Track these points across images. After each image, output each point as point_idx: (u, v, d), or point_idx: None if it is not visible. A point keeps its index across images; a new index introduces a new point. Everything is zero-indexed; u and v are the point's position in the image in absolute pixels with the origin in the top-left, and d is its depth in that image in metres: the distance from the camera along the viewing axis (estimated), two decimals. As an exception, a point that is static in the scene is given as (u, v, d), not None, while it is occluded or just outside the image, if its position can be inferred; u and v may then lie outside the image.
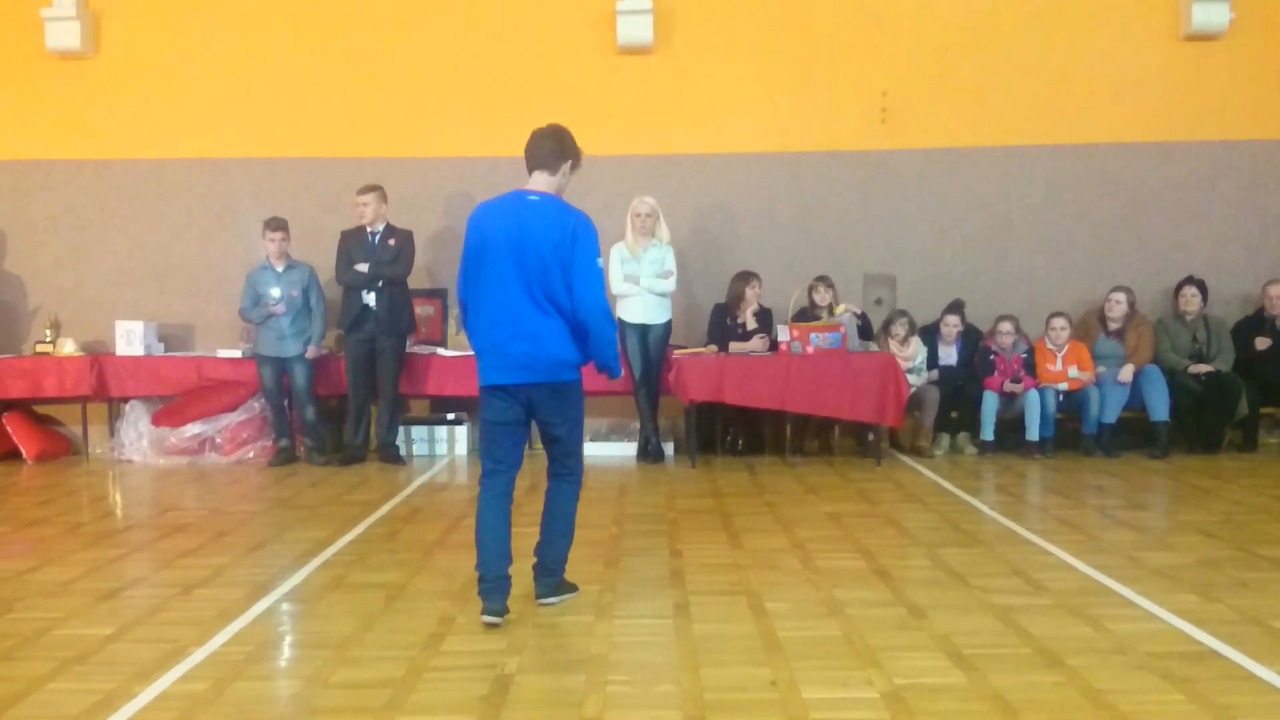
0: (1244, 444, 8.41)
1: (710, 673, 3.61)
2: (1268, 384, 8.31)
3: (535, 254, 4.17)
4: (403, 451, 8.41)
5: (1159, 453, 8.02)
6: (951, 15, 8.97)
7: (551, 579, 4.45)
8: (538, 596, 4.43)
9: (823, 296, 8.32)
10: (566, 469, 4.46)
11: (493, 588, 4.19)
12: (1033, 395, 8.09)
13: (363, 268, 8.05)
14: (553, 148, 4.32)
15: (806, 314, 8.26)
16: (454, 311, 8.90)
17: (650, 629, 4.12)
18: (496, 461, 4.33)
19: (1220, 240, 8.99)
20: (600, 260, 4.25)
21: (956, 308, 8.52)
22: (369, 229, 8.15)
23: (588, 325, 4.21)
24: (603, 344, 4.28)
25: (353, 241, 8.17)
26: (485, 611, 4.17)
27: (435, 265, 9.03)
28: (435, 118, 9.02)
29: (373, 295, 8.08)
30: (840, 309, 8.24)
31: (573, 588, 4.53)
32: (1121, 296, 8.41)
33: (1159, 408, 8.11)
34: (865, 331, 8.35)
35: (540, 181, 4.35)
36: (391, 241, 8.16)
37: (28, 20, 8.89)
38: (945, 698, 3.39)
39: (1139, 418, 8.28)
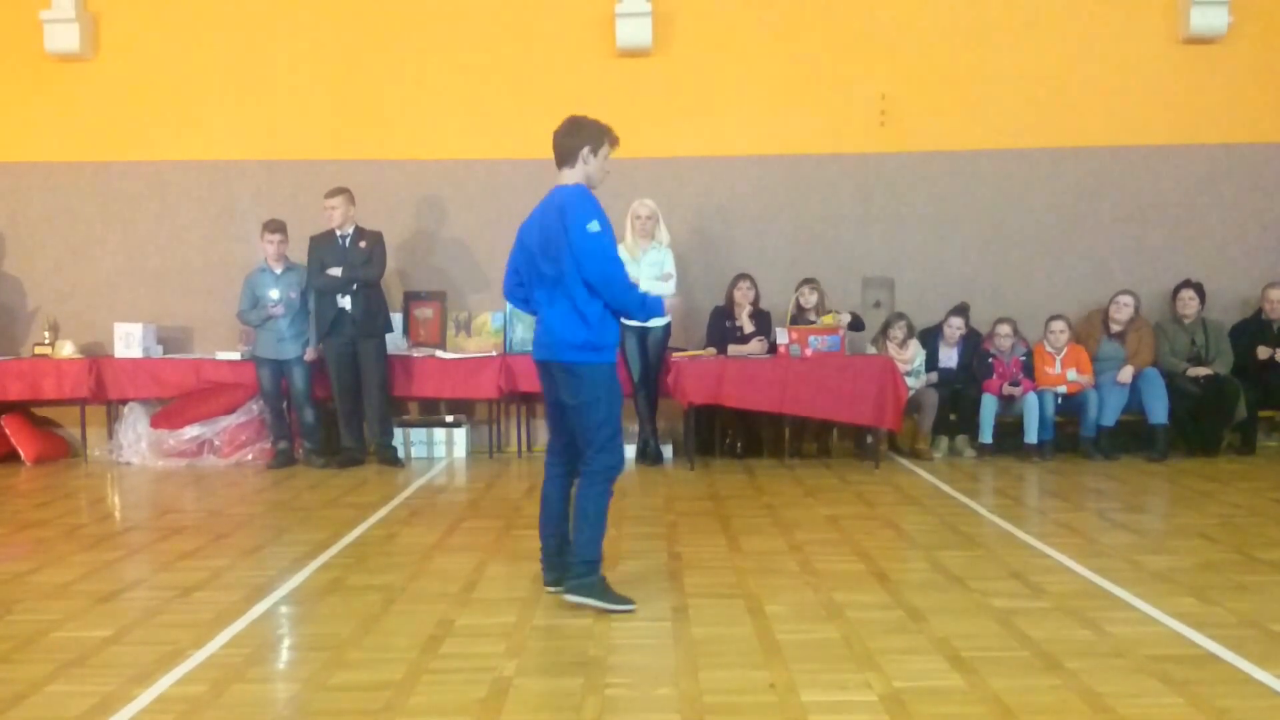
0: (1242, 447, 8.41)
1: (709, 675, 3.61)
2: (1266, 387, 8.31)
3: (539, 242, 4.43)
4: (401, 454, 8.41)
5: (1157, 456, 8.02)
6: (950, 19, 8.98)
7: (578, 577, 4.38)
8: (562, 585, 4.45)
9: (808, 299, 8.31)
10: (588, 463, 4.45)
11: (542, 561, 4.62)
12: (1031, 398, 8.09)
13: (335, 272, 8.02)
14: (565, 143, 4.49)
15: (798, 318, 8.27)
16: (456, 314, 8.92)
17: (649, 631, 4.12)
18: (550, 434, 4.72)
19: (1219, 244, 8.99)
20: (593, 225, 4.29)
21: (961, 310, 8.51)
22: (338, 232, 8.12)
23: (599, 292, 4.35)
24: (621, 304, 4.43)
25: (323, 246, 8.13)
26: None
27: (434, 268, 9.03)
28: (434, 120, 9.02)
29: (348, 299, 8.05)
30: (830, 318, 8.19)
31: (620, 600, 4.36)
32: (1129, 299, 8.41)
33: (1157, 411, 8.11)
34: (856, 325, 8.34)
35: (565, 177, 4.51)
36: (362, 244, 8.12)
37: (27, 23, 8.88)
38: (944, 701, 3.39)
39: (1138, 421, 8.29)
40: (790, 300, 8.45)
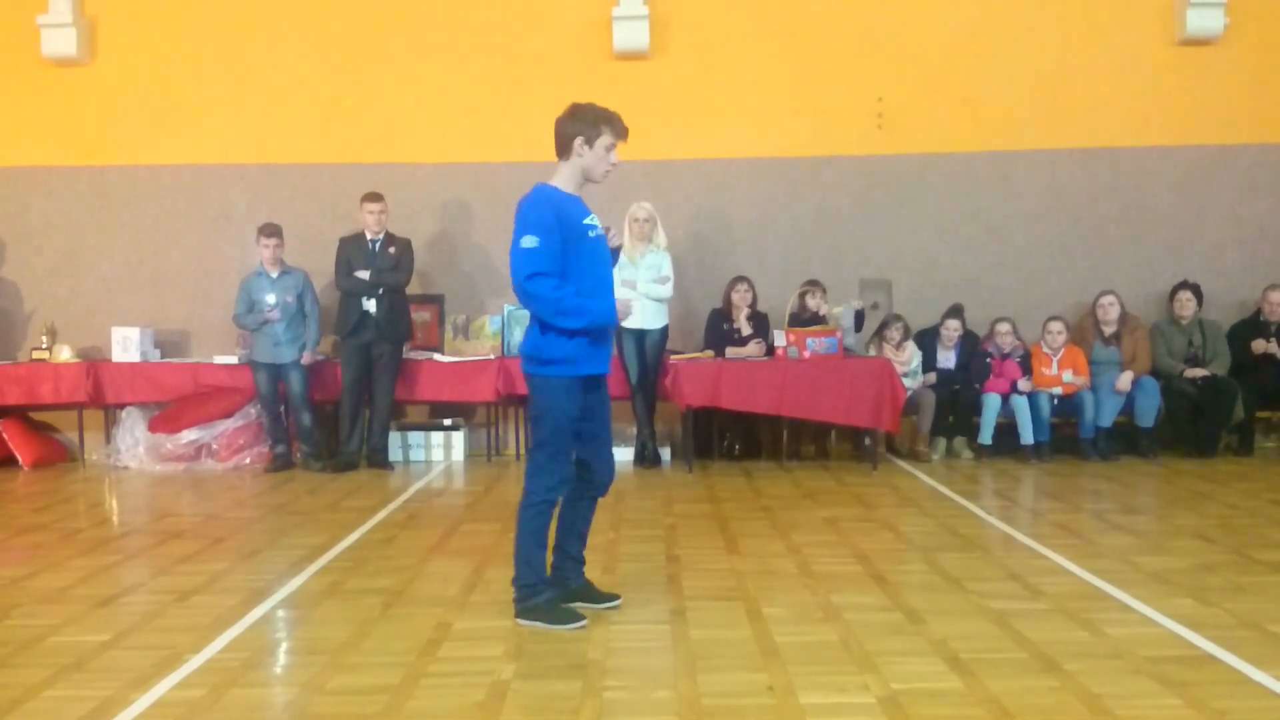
0: (1240, 448, 8.41)
1: (707, 678, 3.61)
2: (1264, 388, 8.31)
3: None
4: (399, 457, 8.42)
5: (1146, 454, 8.11)
6: (947, 21, 8.99)
7: (519, 602, 4.28)
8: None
9: (811, 300, 8.30)
10: (524, 482, 4.27)
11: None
12: (1021, 400, 8.10)
13: (363, 275, 8.07)
14: (560, 131, 4.23)
15: (798, 319, 8.26)
16: (454, 317, 8.93)
17: (647, 634, 4.12)
18: None
19: (1215, 245, 9.00)
20: (529, 239, 4.02)
21: (957, 312, 8.52)
22: (369, 236, 8.17)
23: (526, 308, 4.16)
24: (548, 316, 4.08)
25: (352, 248, 8.18)
26: None
27: (431, 271, 9.03)
28: (431, 123, 9.02)
29: (373, 302, 8.10)
30: (838, 310, 8.23)
31: (570, 618, 4.19)
32: (1112, 299, 8.43)
33: (1145, 415, 8.18)
34: (858, 324, 8.35)
35: (559, 171, 4.27)
36: (392, 249, 8.19)
37: (24, 27, 8.88)
38: (942, 703, 3.39)
39: (1128, 422, 8.30)
40: (790, 301, 8.42)
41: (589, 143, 4.19)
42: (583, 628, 4.15)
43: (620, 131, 4.24)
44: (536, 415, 4.29)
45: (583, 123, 4.19)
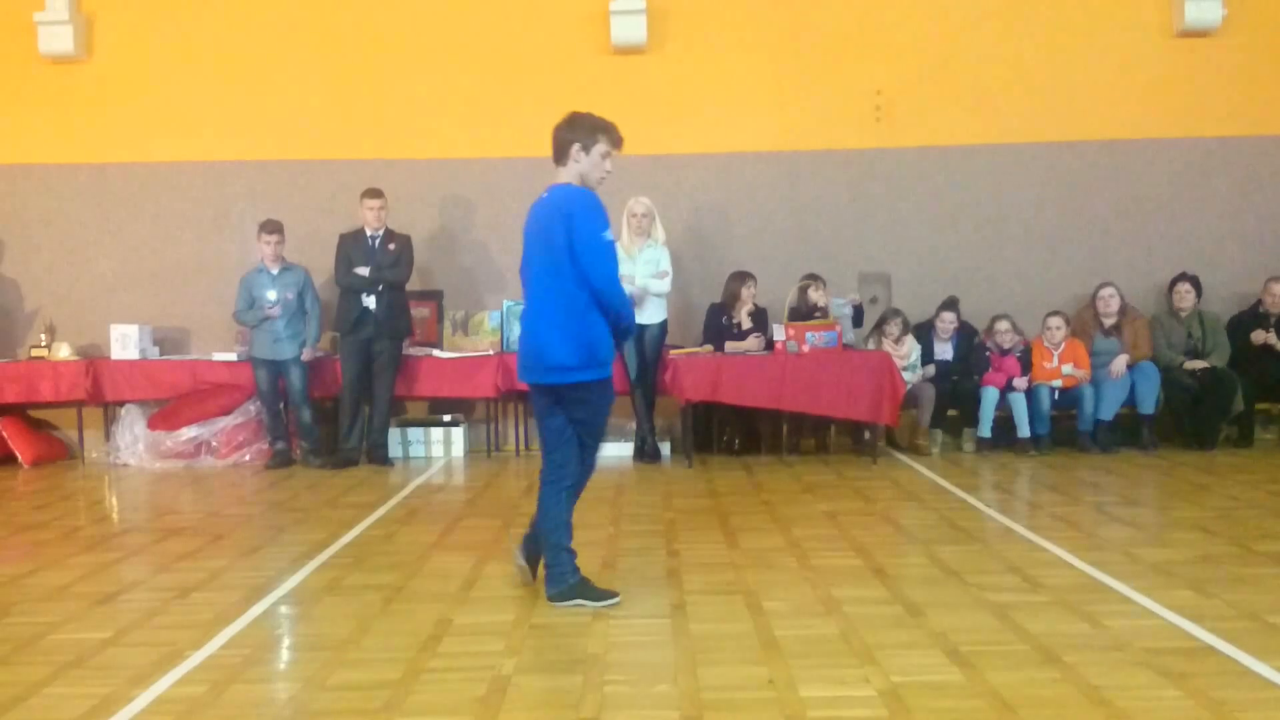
0: (1240, 439, 8.41)
1: (708, 672, 3.62)
2: (1263, 380, 8.31)
3: (535, 246, 4.37)
4: (399, 453, 8.42)
5: (1143, 446, 8.09)
6: (945, 14, 8.98)
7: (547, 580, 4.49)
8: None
9: (820, 295, 8.29)
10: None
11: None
12: (1019, 395, 8.10)
13: (363, 271, 8.07)
14: (558, 138, 4.41)
15: (798, 313, 8.25)
16: (453, 313, 8.91)
17: (647, 629, 4.12)
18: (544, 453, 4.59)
19: (1214, 236, 9.00)
20: (607, 233, 4.28)
21: (952, 304, 8.52)
22: (369, 232, 8.17)
23: (600, 301, 4.29)
24: (616, 315, 4.36)
25: (352, 244, 8.19)
26: None
27: (430, 267, 9.02)
28: (429, 119, 9.01)
29: (372, 298, 8.10)
30: (839, 302, 8.23)
31: (573, 593, 4.42)
32: (1111, 290, 8.44)
33: (1144, 400, 8.18)
34: (857, 319, 8.36)
35: (560, 175, 4.44)
36: (391, 246, 8.20)
37: (21, 24, 8.86)
38: (942, 695, 3.39)
39: (1130, 414, 8.30)
40: (790, 295, 8.40)
41: (585, 150, 4.38)
42: (617, 603, 4.37)
43: (615, 140, 4.45)
44: (588, 418, 4.43)
45: (580, 130, 4.39)
